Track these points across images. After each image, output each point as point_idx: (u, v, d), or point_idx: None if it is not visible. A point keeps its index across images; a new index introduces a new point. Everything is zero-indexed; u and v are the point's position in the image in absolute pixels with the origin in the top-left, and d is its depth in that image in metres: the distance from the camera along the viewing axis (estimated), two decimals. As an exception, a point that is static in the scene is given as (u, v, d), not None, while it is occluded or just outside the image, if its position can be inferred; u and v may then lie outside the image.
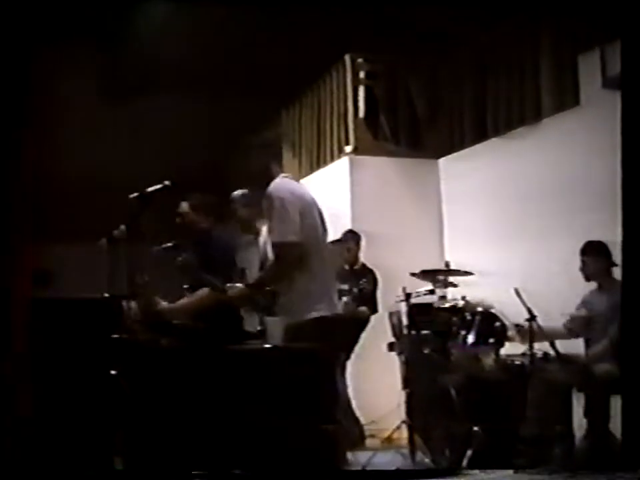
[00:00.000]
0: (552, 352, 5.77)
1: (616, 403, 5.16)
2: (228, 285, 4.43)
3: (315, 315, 4.26)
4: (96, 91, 10.70)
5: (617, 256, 5.37)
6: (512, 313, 6.10)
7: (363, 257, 7.97)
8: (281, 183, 4.47)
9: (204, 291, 4.95)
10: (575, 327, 6.10)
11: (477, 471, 5.02)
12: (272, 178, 4.50)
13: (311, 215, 4.45)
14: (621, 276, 4.61)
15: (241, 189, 5.52)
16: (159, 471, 3.79)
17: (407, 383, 6.68)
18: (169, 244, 5.63)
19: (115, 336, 4.14)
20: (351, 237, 7.95)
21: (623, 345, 4.11)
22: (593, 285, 6.12)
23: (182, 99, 10.65)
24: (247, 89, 10.81)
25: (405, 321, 6.87)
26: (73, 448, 3.85)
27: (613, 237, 4.99)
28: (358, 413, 7.37)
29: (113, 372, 3.90)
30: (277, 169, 4.60)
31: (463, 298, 6.59)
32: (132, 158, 10.15)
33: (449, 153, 9.19)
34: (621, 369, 4.35)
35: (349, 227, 8.54)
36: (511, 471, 5.16)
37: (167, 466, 3.84)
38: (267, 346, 3.98)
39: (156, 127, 10.34)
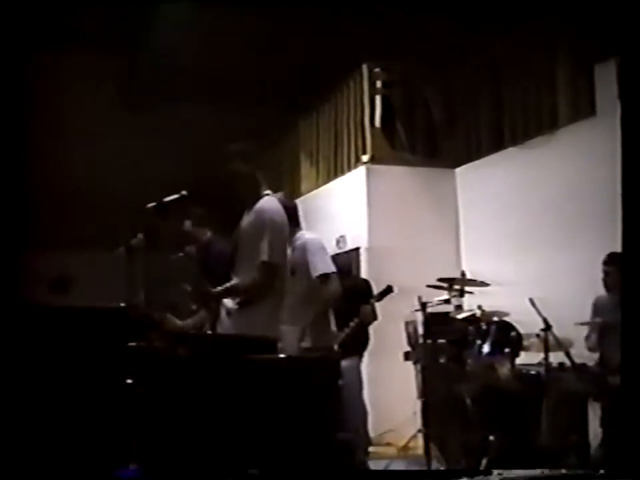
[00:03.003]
0: (567, 362, 5.77)
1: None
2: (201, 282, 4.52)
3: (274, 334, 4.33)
4: (113, 101, 10.80)
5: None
6: (528, 322, 6.09)
7: (365, 271, 8.00)
8: (271, 204, 4.57)
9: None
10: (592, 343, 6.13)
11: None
12: (259, 194, 4.59)
13: (285, 238, 4.59)
14: (622, 284, 4.60)
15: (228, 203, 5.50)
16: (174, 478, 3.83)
17: (422, 391, 6.68)
18: (180, 254, 5.70)
19: (132, 344, 4.17)
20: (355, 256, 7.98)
21: (624, 354, 4.10)
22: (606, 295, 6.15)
23: (199, 108, 10.73)
24: (264, 99, 10.88)
25: (420, 330, 6.89)
26: (87, 454, 3.89)
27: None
28: (373, 421, 7.39)
29: (129, 380, 3.94)
30: (264, 185, 4.66)
31: (479, 307, 6.59)
32: (149, 167, 10.23)
33: (466, 162, 9.21)
34: (622, 376, 4.35)
35: (365, 235, 8.59)
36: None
37: (183, 474, 3.87)
38: (282, 356, 4.01)
39: (174, 137, 10.43)
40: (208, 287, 4.50)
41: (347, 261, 8.13)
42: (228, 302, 4.56)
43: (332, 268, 5.63)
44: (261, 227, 4.43)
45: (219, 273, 4.72)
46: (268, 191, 4.67)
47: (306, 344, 5.37)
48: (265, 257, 4.36)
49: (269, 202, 4.59)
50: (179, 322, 5.20)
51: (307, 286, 5.52)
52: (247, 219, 4.60)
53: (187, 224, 5.67)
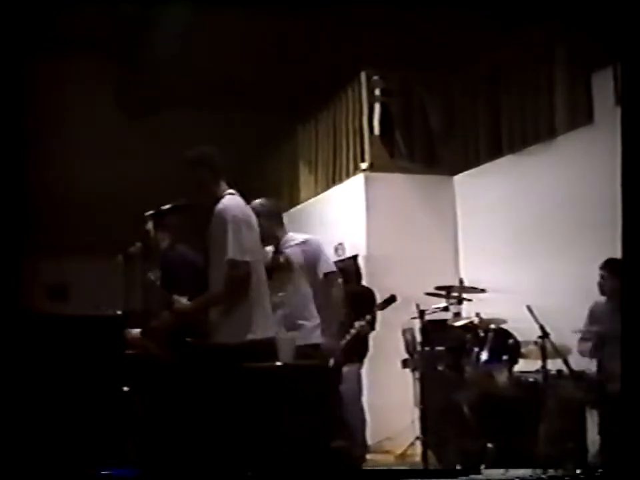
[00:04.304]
0: (565, 369, 5.77)
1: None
2: (175, 298, 4.49)
3: (251, 337, 4.32)
4: (112, 107, 10.81)
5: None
6: (525, 329, 6.10)
7: (364, 279, 8.03)
8: (232, 201, 4.52)
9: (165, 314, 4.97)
10: (585, 349, 6.14)
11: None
12: (218, 195, 4.53)
13: (254, 235, 4.54)
14: (621, 291, 4.60)
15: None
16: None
17: (420, 399, 6.68)
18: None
19: (129, 352, 4.18)
20: (352, 263, 8.05)
21: (624, 360, 4.11)
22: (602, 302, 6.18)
23: (197, 115, 10.75)
24: (263, 106, 10.90)
25: (418, 337, 6.89)
26: (83, 458, 3.90)
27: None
28: (371, 429, 7.40)
29: (125, 388, 3.95)
30: (224, 185, 4.61)
31: (477, 315, 6.60)
32: (148, 174, 10.24)
33: (464, 169, 9.21)
34: (622, 382, 4.36)
35: (363, 242, 8.60)
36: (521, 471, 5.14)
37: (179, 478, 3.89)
38: (278, 364, 4.01)
39: (172, 144, 10.42)
40: (183, 302, 4.47)
41: (349, 269, 8.14)
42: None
43: (334, 267, 5.79)
44: (223, 225, 4.37)
45: (183, 279, 4.71)
46: (230, 190, 4.63)
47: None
48: (230, 254, 4.31)
49: (229, 199, 4.52)
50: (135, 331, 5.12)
51: (311, 284, 5.62)
52: (212, 222, 4.55)
53: (149, 225, 5.54)
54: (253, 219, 4.57)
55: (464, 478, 4.73)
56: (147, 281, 5.19)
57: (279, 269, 5.52)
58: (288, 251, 5.65)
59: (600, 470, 4.96)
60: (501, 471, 5.06)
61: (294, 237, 5.76)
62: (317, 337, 5.49)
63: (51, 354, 4.00)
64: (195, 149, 4.70)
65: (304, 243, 5.75)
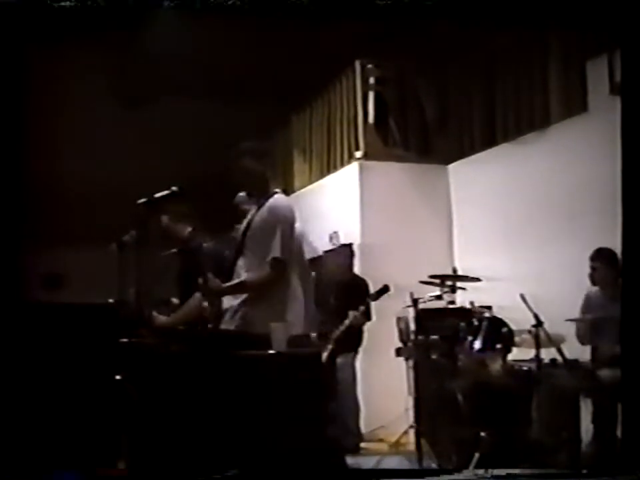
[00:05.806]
0: (559, 358, 5.77)
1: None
2: (210, 277, 4.56)
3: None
4: (106, 97, 10.77)
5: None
6: (520, 318, 6.10)
7: (358, 268, 8.05)
8: (284, 200, 4.67)
9: (192, 300, 5.05)
10: (582, 335, 6.16)
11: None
12: (270, 191, 4.65)
13: (294, 236, 4.65)
14: (621, 281, 4.61)
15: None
16: (163, 475, 3.83)
17: (414, 387, 6.70)
18: (173, 250, 5.70)
19: (124, 340, 4.17)
20: (345, 250, 8.05)
21: (623, 349, 4.12)
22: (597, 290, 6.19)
23: (192, 104, 10.71)
24: (257, 95, 10.87)
25: (412, 326, 6.90)
26: (77, 450, 3.89)
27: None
28: (365, 417, 7.43)
29: (118, 377, 3.94)
30: (274, 183, 4.74)
31: (471, 303, 6.60)
32: (140, 163, 10.21)
33: (459, 158, 9.21)
34: (621, 372, 4.37)
35: (358, 231, 8.59)
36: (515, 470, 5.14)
37: (171, 470, 3.88)
38: (271, 352, 4.02)
39: (165, 133, 10.41)
40: (217, 282, 4.54)
41: (343, 257, 8.15)
42: (229, 298, 4.60)
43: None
44: (273, 223, 4.52)
45: (207, 268, 4.74)
46: (277, 189, 4.73)
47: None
48: (277, 253, 4.42)
49: (282, 200, 4.71)
50: (163, 318, 5.21)
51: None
52: (258, 216, 4.66)
53: (165, 219, 5.61)
54: (296, 220, 4.70)
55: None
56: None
57: None
58: None
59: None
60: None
61: None
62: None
63: (45, 343, 4.01)
64: (249, 142, 4.81)
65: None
